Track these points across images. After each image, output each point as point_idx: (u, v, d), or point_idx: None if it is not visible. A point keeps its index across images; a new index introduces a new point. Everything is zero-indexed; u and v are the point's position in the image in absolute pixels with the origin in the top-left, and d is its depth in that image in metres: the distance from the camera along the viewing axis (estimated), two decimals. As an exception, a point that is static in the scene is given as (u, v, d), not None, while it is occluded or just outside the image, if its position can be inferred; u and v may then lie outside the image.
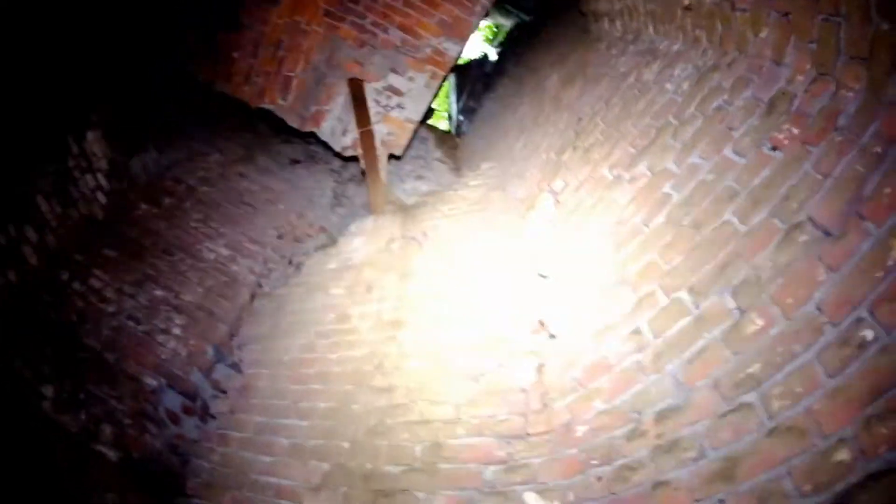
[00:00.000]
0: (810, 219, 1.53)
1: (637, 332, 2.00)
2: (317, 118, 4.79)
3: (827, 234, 1.46)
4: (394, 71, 4.51)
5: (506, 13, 8.09)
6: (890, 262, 1.27)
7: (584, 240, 2.53)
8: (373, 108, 4.56)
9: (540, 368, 2.43)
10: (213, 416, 3.95)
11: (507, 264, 3.00)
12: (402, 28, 4.40)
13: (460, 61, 8.18)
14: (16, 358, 3.57)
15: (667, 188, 2.15)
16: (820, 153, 1.57)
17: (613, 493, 1.83)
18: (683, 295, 1.86)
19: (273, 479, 3.10)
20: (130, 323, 4.30)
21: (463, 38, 4.41)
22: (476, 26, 4.48)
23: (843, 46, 1.57)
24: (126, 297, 4.38)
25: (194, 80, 4.92)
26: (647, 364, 1.91)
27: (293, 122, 4.89)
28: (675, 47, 2.73)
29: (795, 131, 1.69)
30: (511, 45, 7.65)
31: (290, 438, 3.22)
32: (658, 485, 1.69)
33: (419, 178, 5.32)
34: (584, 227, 2.58)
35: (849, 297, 1.35)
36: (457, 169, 5.45)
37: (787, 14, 1.81)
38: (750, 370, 1.52)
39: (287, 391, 3.56)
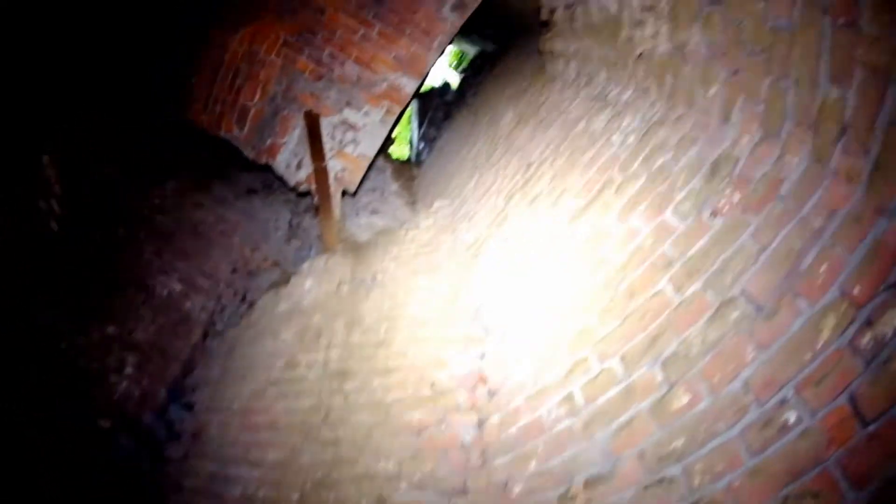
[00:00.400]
0: (744, 293, 1.51)
1: (570, 397, 1.98)
2: (272, 150, 4.71)
3: (759, 309, 1.45)
4: (349, 105, 4.47)
5: (471, 41, 8.13)
6: (819, 345, 1.28)
7: (526, 296, 2.50)
8: (328, 143, 4.50)
9: (480, 424, 2.41)
10: (166, 461, 3.83)
11: (451, 315, 2.95)
12: (359, 62, 4.37)
13: (423, 88, 8.19)
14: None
15: (606, 249, 2.13)
16: (759, 223, 1.56)
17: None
18: (615, 363, 1.84)
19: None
20: (84, 359, 4.15)
21: (419, 75, 4.40)
22: (433, 63, 4.47)
23: (791, 111, 1.55)
24: (77, 332, 4.22)
25: (156, 107, 4.82)
26: (577, 430, 1.89)
27: (249, 154, 4.81)
28: (626, 96, 2.73)
29: (736, 198, 1.68)
30: (473, 74, 7.69)
31: (242, 488, 3.16)
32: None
33: (374, 212, 5.26)
34: (526, 281, 2.55)
35: (776, 378, 1.34)
36: (413, 203, 5.40)
37: (736, 72, 1.80)
38: (674, 444, 1.52)
39: (238, 439, 3.49)
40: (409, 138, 9.25)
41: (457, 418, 2.51)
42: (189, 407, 4.13)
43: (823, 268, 1.33)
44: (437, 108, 7.81)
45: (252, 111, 4.58)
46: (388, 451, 2.65)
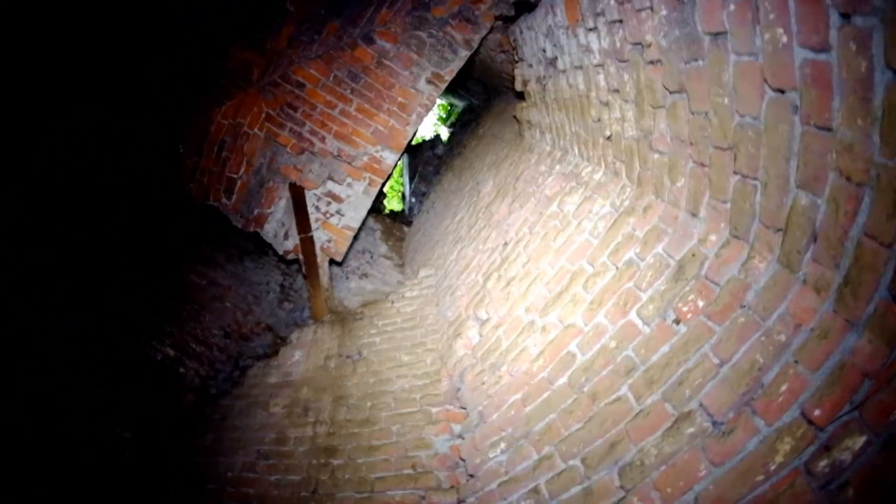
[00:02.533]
0: (702, 407, 1.54)
1: (537, 490, 2.05)
2: (259, 220, 4.83)
3: (716, 425, 1.47)
4: (332, 178, 4.60)
5: (458, 96, 8.33)
6: (772, 467, 1.29)
7: (499, 383, 2.57)
8: (313, 214, 4.62)
9: (459, 504, 2.47)
10: None
11: (433, 394, 3.03)
12: (339, 137, 4.52)
13: (414, 141, 8.36)
14: None
15: (573, 346, 2.20)
16: (722, 334, 1.56)
17: None
18: (577, 464, 1.91)
19: None
20: (81, 423, 4.18)
21: (399, 148, 4.54)
22: (412, 134, 4.62)
23: (759, 212, 1.51)
24: (73, 394, 4.25)
25: (147, 177, 4.94)
26: None
27: (237, 223, 4.92)
28: (597, 176, 2.79)
29: (700, 304, 1.68)
30: (461, 128, 7.86)
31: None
32: None
33: (364, 275, 5.35)
34: (499, 369, 2.62)
35: (725, 496, 1.37)
36: (401, 265, 5.49)
37: (703, 165, 1.77)
38: None
39: None
40: (401, 192, 9.40)
41: (437, 498, 2.59)
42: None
43: (784, 387, 1.33)
44: (427, 163, 7.96)
45: (238, 182, 4.70)
46: (372, 531, 2.69)
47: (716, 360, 1.55)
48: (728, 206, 1.66)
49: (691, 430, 1.54)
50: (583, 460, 1.88)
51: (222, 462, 3.88)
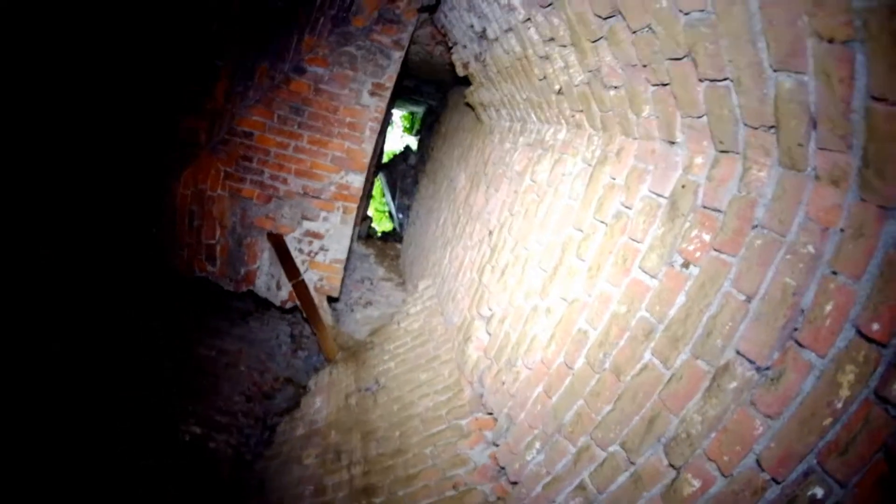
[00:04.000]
0: (740, 355, 1.30)
1: (582, 485, 1.85)
2: (249, 278, 4.70)
3: (761, 372, 1.24)
4: (306, 217, 4.47)
5: (415, 102, 8.20)
6: (838, 404, 1.06)
7: (518, 380, 2.40)
8: (298, 257, 4.49)
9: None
10: None
11: (457, 406, 2.87)
12: (300, 174, 4.39)
13: (385, 158, 8.23)
14: None
15: (582, 322, 2.00)
16: (740, 266, 1.34)
17: None
18: (617, 450, 1.71)
19: None
20: None
21: (362, 168, 4.40)
22: (371, 150, 4.47)
23: (741, 115, 1.32)
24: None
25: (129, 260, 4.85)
26: None
27: (228, 287, 4.81)
28: (561, 136, 2.64)
29: (707, 237, 1.46)
30: (427, 133, 7.72)
31: None
32: None
33: (368, 304, 5.20)
34: (514, 365, 2.46)
35: (792, 450, 1.14)
36: (402, 283, 5.35)
37: (665, 84, 1.59)
38: None
39: None
40: (387, 211, 9.26)
41: (485, 514, 2.42)
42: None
43: (829, 307, 1.10)
44: (404, 175, 7.83)
45: (218, 247, 4.59)
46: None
47: (741, 297, 1.32)
48: (705, 119, 1.48)
49: (734, 384, 1.31)
50: (622, 445, 1.68)
51: (269, 529, 3.77)
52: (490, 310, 2.85)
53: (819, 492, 1.07)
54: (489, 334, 2.80)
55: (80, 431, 4.27)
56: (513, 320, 2.56)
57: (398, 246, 6.42)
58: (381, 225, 9.78)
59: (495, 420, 2.58)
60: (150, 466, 4.49)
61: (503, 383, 2.52)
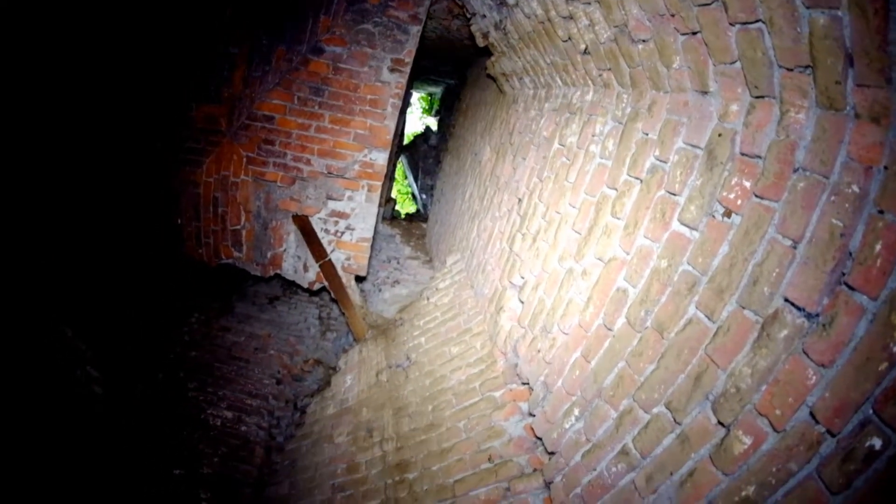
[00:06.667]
0: (788, 303, 1.24)
1: (625, 450, 1.78)
2: (276, 261, 4.70)
3: (811, 319, 1.18)
4: (331, 197, 4.44)
5: (433, 82, 8.11)
6: (894, 347, 1.00)
7: (554, 346, 2.34)
8: (324, 238, 4.47)
9: (547, 486, 2.25)
10: None
11: (491, 378, 2.82)
12: (324, 154, 4.36)
13: (406, 140, 8.18)
14: None
15: (620, 281, 1.94)
16: (783, 210, 1.28)
17: None
18: (662, 410, 1.63)
19: None
20: None
21: (385, 145, 4.35)
22: (394, 127, 4.42)
23: (776, 57, 1.27)
24: (147, 482, 4.21)
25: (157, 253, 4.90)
26: (641, 485, 1.69)
27: (255, 271, 4.82)
28: (589, 97, 2.58)
29: (747, 184, 1.41)
30: (447, 112, 7.65)
31: None
32: None
33: (396, 283, 5.18)
34: (550, 331, 2.39)
35: (848, 399, 1.08)
36: (429, 261, 5.31)
37: (695, 33, 1.55)
38: (745, 492, 1.29)
39: None
40: (411, 192, 9.23)
41: (522, 485, 2.38)
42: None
43: (878, 247, 1.05)
44: (426, 156, 7.77)
45: (243, 232, 4.60)
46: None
47: (787, 242, 1.26)
48: (738, 65, 1.42)
49: (784, 332, 1.24)
50: (667, 405, 1.61)
51: (302, 506, 3.78)
52: (522, 278, 2.79)
53: (877, 442, 1.02)
54: (522, 303, 2.74)
55: (112, 417, 4.33)
56: (547, 286, 2.50)
57: (423, 225, 6.38)
58: (405, 207, 9.75)
59: (530, 390, 2.53)
60: (181, 450, 4.56)
61: (538, 351, 2.46)
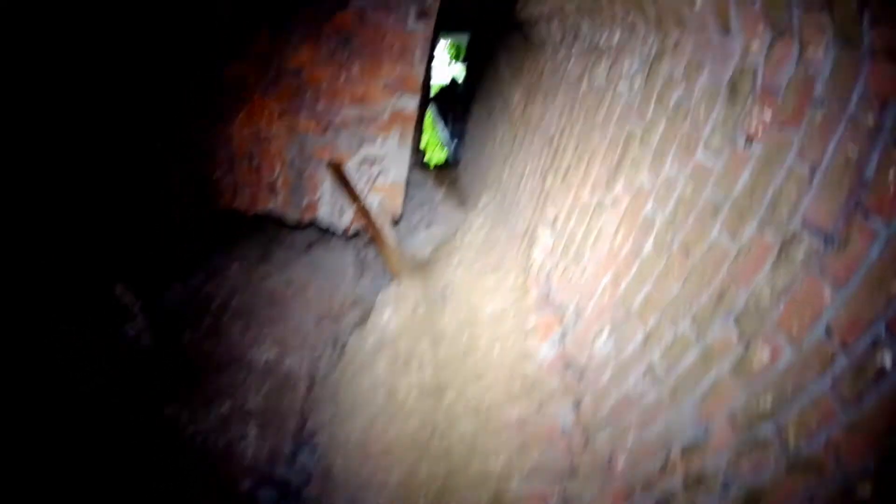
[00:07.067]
0: (806, 225, 1.32)
1: (651, 367, 1.92)
2: (311, 208, 4.89)
3: (828, 241, 1.25)
4: (364, 143, 4.57)
5: (459, 31, 8.06)
6: None
7: (585, 272, 2.49)
8: (358, 183, 4.62)
9: (576, 406, 2.41)
10: (305, 502, 4.06)
11: (525, 306, 2.99)
12: (355, 102, 4.47)
13: (433, 90, 8.20)
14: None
15: (648, 209, 2.06)
16: (802, 139, 1.35)
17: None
18: (686, 328, 1.76)
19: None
20: (211, 438, 4.47)
21: (415, 90, 4.43)
22: (423, 72, 4.49)
23: None
24: (199, 418, 4.54)
25: (196, 205, 5.10)
26: (665, 400, 1.82)
27: (293, 217, 5.02)
28: (616, 39, 2.65)
29: (768, 116, 1.48)
30: (474, 61, 7.62)
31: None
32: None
33: (429, 224, 5.34)
34: (582, 259, 2.54)
35: (861, 317, 1.14)
36: (462, 203, 5.45)
37: None
38: (763, 404, 1.39)
39: (361, 470, 3.63)
40: (440, 142, 9.28)
41: (553, 405, 2.54)
42: (313, 451, 4.36)
43: (892, 174, 1.10)
44: (455, 104, 7.80)
45: (279, 182, 4.77)
46: (496, 450, 2.70)
47: (805, 168, 1.34)
48: (758, 4, 1.49)
49: (802, 252, 1.33)
50: (692, 321, 1.73)
51: (343, 430, 4.02)
52: (554, 212, 2.93)
53: (887, 359, 1.08)
54: (554, 235, 2.89)
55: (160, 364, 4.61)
56: (578, 217, 2.64)
57: (454, 172, 6.50)
58: (435, 156, 9.84)
59: (562, 316, 2.69)
60: (228, 388, 4.85)
61: (570, 279, 2.62)
